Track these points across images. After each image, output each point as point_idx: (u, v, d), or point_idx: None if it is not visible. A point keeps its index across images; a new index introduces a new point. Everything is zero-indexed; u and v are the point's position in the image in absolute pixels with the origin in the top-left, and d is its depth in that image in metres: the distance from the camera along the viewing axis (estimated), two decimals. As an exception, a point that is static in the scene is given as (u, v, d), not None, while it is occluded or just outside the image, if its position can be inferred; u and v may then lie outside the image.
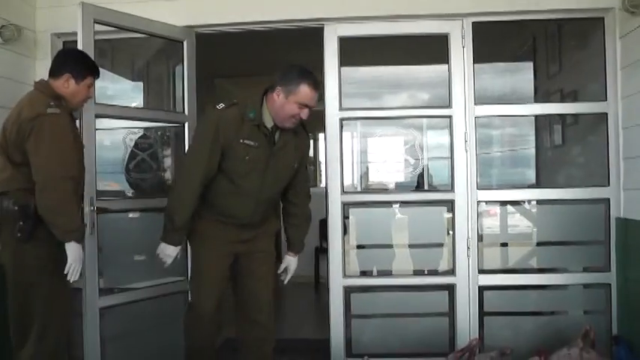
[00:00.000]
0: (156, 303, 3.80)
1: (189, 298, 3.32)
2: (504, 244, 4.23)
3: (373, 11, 3.84)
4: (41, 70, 3.82)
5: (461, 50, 3.87)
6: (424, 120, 4.61)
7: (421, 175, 4.60)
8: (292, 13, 3.87)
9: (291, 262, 3.32)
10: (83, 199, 3.15)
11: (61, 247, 2.83)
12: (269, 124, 3.00)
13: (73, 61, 3.03)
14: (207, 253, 3.13)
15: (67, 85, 2.97)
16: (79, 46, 3.41)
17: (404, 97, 5.04)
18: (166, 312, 3.84)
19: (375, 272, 4.14)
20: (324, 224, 3.97)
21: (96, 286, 3.46)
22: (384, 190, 4.33)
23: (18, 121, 2.82)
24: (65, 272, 2.82)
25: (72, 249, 2.82)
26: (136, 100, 4.83)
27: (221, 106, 2.98)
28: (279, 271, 3.31)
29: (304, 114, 2.94)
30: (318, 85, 2.97)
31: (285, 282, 3.33)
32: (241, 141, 2.94)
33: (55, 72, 3.00)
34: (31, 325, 2.89)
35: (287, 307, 5.83)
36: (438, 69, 4.07)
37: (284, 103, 2.92)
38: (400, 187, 4.45)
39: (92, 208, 3.37)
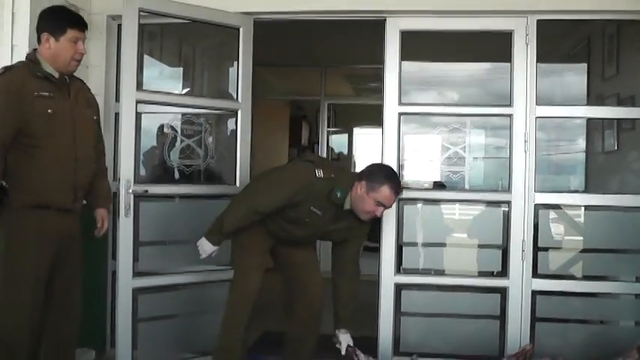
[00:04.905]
0: (200, 290, 3.93)
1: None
2: (557, 249, 4.20)
3: (438, 5, 3.89)
4: (95, 51, 3.93)
5: (524, 48, 3.88)
6: (470, 118, 4.62)
7: (468, 175, 4.60)
8: (355, 3, 3.92)
9: (345, 339, 3.48)
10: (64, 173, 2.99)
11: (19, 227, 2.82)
12: (347, 206, 3.24)
13: (47, 18, 2.95)
14: (248, 259, 3.42)
15: (48, 45, 2.90)
16: (123, 35, 3.53)
17: (454, 95, 5.04)
18: (208, 300, 3.95)
19: (426, 271, 4.15)
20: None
21: (130, 266, 3.62)
22: (438, 187, 4.32)
23: None
24: None
25: None
26: (184, 86, 4.90)
27: (320, 173, 3.19)
28: (343, 352, 3.47)
29: (379, 212, 3.23)
30: (399, 190, 3.27)
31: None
32: (311, 208, 3.22)
33: (38, 38, 2.95)
34: None
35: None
36: (492, 67, 4.06)
37: (363, 197, 3.17)
38: (448, 186, 4.44)
39: (129, 190, 3.55)
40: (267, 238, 3.44)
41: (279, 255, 3.54)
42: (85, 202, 3.16)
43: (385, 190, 3.16)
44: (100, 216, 3.27)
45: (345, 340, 3.46)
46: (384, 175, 3.21)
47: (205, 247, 3.36)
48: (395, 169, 3.88)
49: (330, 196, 3.20)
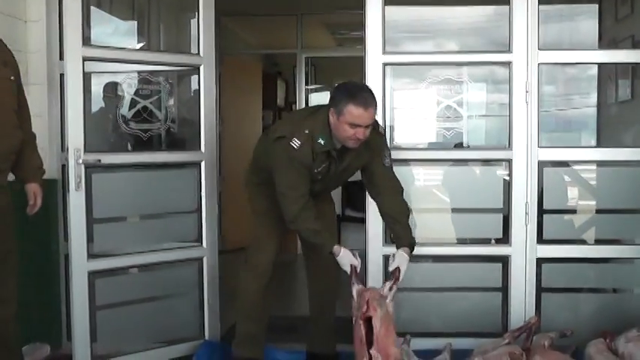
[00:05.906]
0: (164, 271, 3.76)
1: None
2: (565, 211, 3.98)
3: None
4: (34, 4, 3.70)
5: (525, -15, 3.63)
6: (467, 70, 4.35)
7: (466, 133, 4.35)
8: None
9: (402, 260, 3.19)
10: None
11: None
12: (338, 145, 3.11)
13: None
14: (265, 230, 3.40)
15: None
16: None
17: (447, 44, 4.71)
18: (174, 282, 3.82)
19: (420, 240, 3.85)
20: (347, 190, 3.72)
21: (84, 247, 3.42)
22: (431, 147, 4.10)
23: None
24: None
25: None
26: (139, 41, 4.59)
27: (296, 143, 3.02)
28: (390, 269, 3.20)
29: (360, 134, 2.98)
30: (368, 102, 2.97)
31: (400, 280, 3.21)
32: (316, 170, 3.12)
33: None
34: None
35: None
36: (489, 11, 3.98)
37: (337, 125, 3.00)
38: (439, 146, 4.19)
39: (79, 161, 3.33)
40: None
41: None
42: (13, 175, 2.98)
43: (352, 110, 2.92)
44: (32, 191, 3.05)
45: (397, 262, 3.17)
46: (346, 94, 2.99)
47: (345, 258, 3.12)
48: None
49: (316, 147, 3.06)
